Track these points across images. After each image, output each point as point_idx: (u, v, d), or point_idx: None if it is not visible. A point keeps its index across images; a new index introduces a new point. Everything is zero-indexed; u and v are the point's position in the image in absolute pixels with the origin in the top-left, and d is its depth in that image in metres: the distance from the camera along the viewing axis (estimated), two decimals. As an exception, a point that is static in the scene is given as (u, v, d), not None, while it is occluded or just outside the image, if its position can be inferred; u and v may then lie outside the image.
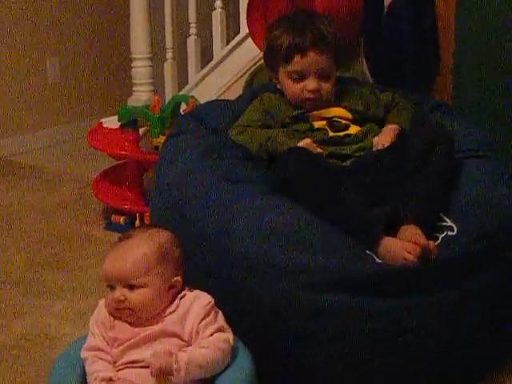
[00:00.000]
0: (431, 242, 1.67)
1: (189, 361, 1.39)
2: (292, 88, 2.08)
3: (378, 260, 1.68)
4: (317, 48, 2.04)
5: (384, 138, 1.99)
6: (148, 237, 1.51)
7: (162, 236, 1.53)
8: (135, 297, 1.46)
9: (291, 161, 1.82)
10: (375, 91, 2.21)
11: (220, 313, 1.51)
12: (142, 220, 2.81)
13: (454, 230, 1.74)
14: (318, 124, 2.04)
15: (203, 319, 1.46)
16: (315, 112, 2.09)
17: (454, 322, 1.64)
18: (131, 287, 1.46)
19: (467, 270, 1.66)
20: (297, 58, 2.04)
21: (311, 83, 2.05)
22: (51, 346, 2.02)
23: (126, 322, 1.48)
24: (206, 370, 1.42)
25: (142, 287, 1.46)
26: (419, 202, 1.76)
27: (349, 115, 2.09)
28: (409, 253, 1.62)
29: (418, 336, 1.61)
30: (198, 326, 1.45)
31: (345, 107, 2.11)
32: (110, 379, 1.44)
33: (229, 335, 1.48)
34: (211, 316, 1.47)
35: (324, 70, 2.06)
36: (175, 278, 1.51)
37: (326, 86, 2.08)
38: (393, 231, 1.72)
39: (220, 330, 1.46)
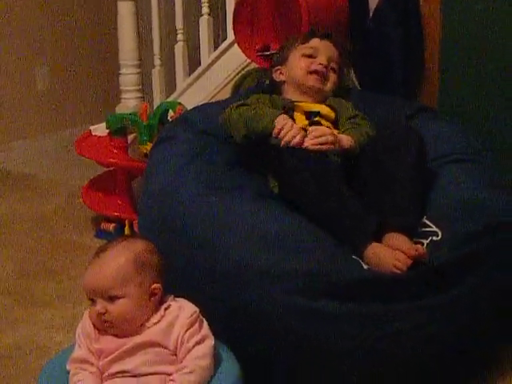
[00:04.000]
0: (419, 246, 1.69)
1: None
2: (302, 62, 2.24)
3: (364, 266, 1.70)
4: (333, 41, 2.29)
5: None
6: (123, 248, 1.51)
7: (137, 245, 1.53)
8: (115, 308, 1.46)
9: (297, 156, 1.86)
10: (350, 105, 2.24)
11: (204, 322, 1.51)
12: (131, 227, 2.82)
13: (438, 236, 1.76)
14: (300, 123, 2.06)
15: (188, 329, 1.47)
16: (301, 103, 2.14)
17: (442, 326, 1.65)
18: (111, 299, 1.46)
19: (454, 275, 1.67)
20: (316, 39, 2.28)
21: (322, 58, 2.22)
22: (42, 354, 2.02)
23: (111, 334, 1.49)
24: None
25: (122, 298, 1.46)
26: (401, 207, 1.78)
27: (332, 114, 2.14)
28: (398, 261, 1.64)
29: (406, 341, 1.62)
30: (182, 336, 1.46)
31: (329, 106, 2.17)
32: None
33: (209, 344, 1.48)
34: (196, 326, 1.48)
35: (334, 60, 2.25)
36: (154, 286, 1.51)
37: (332, 77, 2.24)
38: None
39: (202, 340, 1.47)
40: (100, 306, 1.47)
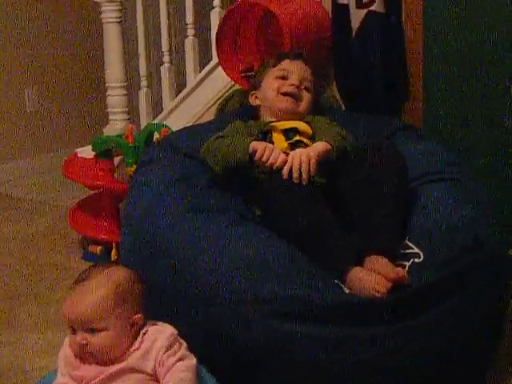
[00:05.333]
0: (400, 269, 1.68)
1: None
2: (274, 84, 2.25)
3: (345, 290, 1.69)
4: (304, 60, 2.28)
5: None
6: (104, 277, 1.50)
7: (119, 275, 1.52)
8: (97, 340, 1.45)
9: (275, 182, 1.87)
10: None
11: (184, 344, 1.51)
12: (118, 250, 2.81)
13: (420, 257, 1.75)
14: (280, 146, 2.06)
15: (167, 351, 1.46)
16: (277, 123, 2.16)
17: (424, 347, 1.64)
18: (92, 331, 1.46)
19: (436, 296, 1.67)
20: (287, 60, 2.30)
21: (293, 79, 2.23)
22: (25, 379, 2.01)
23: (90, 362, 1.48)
24: None
25: (103, 330, 1.46)
26: (382, 230, 1.77)
27: (309, 130, 2.14)
28: (379, 286, 1.63)
29: (388, 363, 1.61)
30: (161, 357, 1.45)
31: (306, 122, 2.18)
32: None
33: (191, 362, 1.48)
34: (175, 347, 1.48)
35: (306, 79, 2.26)
36: (136, 316, 1.50)
37: (305, 96, 2.24)
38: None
39: (182, 359, 1.47)
40: (80, 337, 1.46)
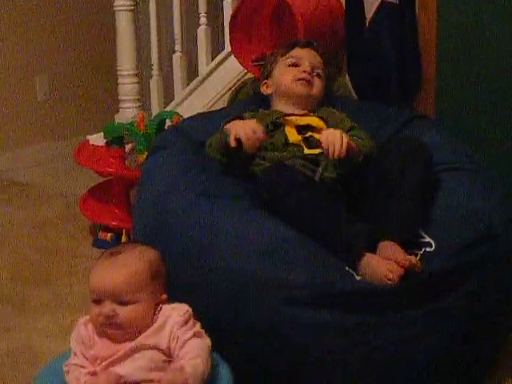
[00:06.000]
0: (413, 257, 1.68)
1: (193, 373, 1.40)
2: (288, 72, 2.27)
3: (357, 277, 1.69)
4: (313, 48, 2.30)
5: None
6: (139, 253, 1.52)
7: (152, 253, 1.55)
8: (126, 313, 1.45)
9: (274, 172, 1.85)
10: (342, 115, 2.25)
11: (198, 323, 1.51)
12: (128, 237, 2.82)
13: (432, 246, 1.75)
14: (293, 139, 2.06)
15: (182, 326, 1.46)
16: (290, 117, 2.15)
17: (436, 335, 1.65)
18: (122, 303, 1.46)
19: (446, 285, 1.67)
20: (297, 48, 2.32)
21: (305, 65, 2.25)
22: (36, 362, 2.02)
23: (108, 338, 1.48)
24: (198, 380, 1.42)
25: (134, 303, 1.46)
26: (398, 218, 1.77)
27: (322, 124, 2.13)
28: (391, 272, 1.63)
29: (400, 351, 1.62)
30: (176, 331, 1.45)
31: (319, 117, 2.18)
32: (95, 372, 1.45)
33: (207, 340, 1.48)
34: (190, 323, 1.48)
35: (317, 66, 2.28)
36: (163, 296, 1.53)
37: (317, 82, 2.26)
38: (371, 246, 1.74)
39: (198, 335, 1.47)
40: (108, 308, 1.45)
